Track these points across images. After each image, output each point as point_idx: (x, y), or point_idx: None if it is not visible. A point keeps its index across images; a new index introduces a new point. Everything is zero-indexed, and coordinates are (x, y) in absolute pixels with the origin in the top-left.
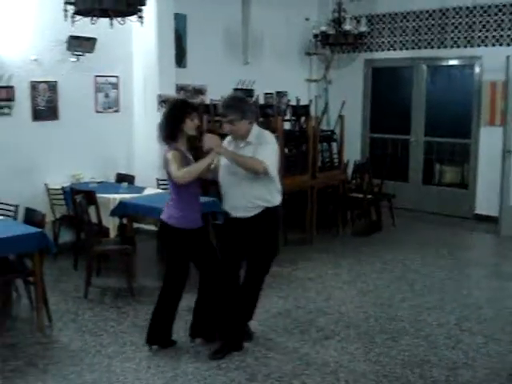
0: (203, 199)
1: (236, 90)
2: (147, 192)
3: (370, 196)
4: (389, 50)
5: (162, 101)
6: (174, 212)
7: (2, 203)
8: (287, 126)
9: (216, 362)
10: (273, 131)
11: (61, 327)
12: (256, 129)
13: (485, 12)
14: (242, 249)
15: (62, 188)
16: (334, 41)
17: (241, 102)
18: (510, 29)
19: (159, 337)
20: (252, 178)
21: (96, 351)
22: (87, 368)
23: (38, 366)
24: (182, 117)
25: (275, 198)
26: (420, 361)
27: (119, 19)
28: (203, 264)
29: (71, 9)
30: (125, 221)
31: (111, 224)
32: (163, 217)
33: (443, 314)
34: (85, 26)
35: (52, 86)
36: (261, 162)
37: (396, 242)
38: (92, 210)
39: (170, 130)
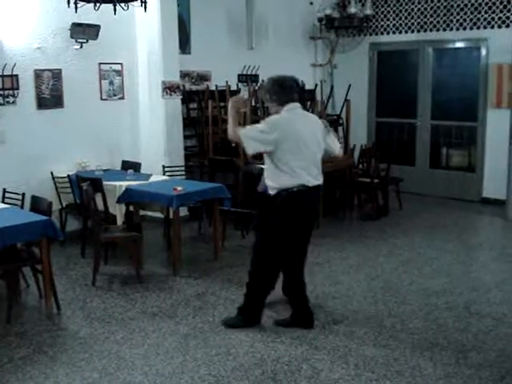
0: (210, 185)
1: (241, 75)
2: (153, 179)
3: (376, 180)
4: (394, 33)
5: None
6: None
7: (9, 192)
8: None
9: (225, 347)
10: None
11: (69, 315)
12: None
13: None
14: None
15: (68, 176)
16: (339, 24)
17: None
18: None
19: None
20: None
21: (105, 338)
22: (96, 355)
23: (47, 354)
24: None
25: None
26: (430, 344)
27: (122, 5)
28: None
29: None
30: (131, 208)
31: (118, 211)
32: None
33: (452, 297)
34: (88, 13)
35: (56, 74)
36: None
37: (403, 226)
38: (98, 197)
39: None
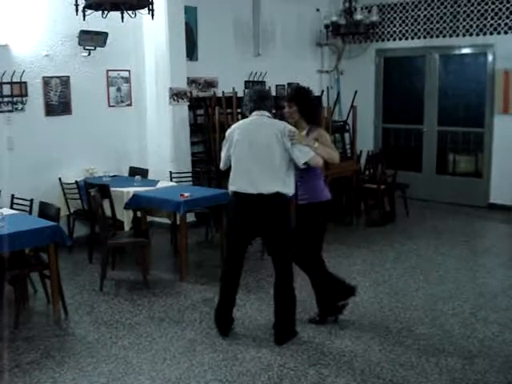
0: (217, 191)
1: (247, 82)
2: (160, 185)
3: (383, 186)
4: (400, 39)
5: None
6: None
7: (17, 198)
8: None
9: (232, 352)
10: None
11: (77, 320)
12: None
13: None
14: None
15: (76, 182)
16: (345, 31)
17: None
18: None
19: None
20: None
21: (112, 343)
22: (103, 359)
23: (54, 358)
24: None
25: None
26: (435, 350)
27: (130, 13)
28: None
29: (82, 3)
30: (139, 214)
31: (125, 217)
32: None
33: (458, 303)
34: (96, 21)
35: (64, 81)
36: None
37: (410, 231)
38: (106, 203)
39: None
